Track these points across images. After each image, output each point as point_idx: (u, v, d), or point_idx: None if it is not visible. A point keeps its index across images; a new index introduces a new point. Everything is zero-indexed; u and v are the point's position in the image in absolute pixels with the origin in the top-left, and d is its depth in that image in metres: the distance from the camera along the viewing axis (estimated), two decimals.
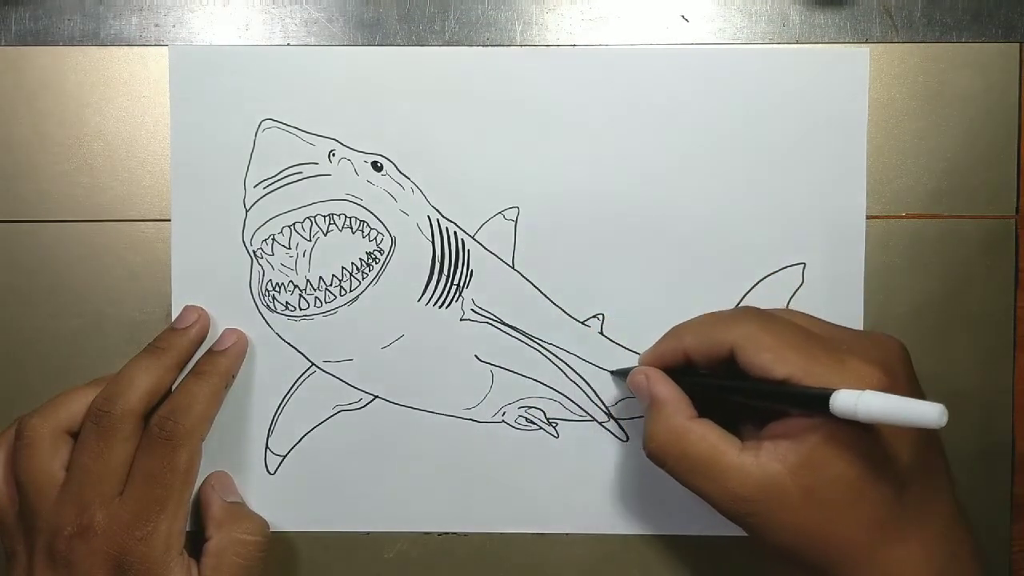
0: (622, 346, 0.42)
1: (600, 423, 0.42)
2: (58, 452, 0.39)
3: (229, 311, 0.42)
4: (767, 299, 0.41)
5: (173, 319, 0.41)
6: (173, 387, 0.40)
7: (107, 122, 0.42)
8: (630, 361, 0.42)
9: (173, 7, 0.42)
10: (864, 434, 0.33)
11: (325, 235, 0.41)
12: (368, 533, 0.43)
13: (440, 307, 0.42)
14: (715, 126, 0.41)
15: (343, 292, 0.42)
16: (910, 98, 0.42)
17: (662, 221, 0.42)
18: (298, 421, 0.42)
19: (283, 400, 0.42)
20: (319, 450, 0.42)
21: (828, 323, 0.37)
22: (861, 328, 0.41)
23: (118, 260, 0.42)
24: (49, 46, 0.42)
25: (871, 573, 0.34)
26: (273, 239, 0.41)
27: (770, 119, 0.41)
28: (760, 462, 0.34)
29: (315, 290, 0.41)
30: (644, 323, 0.42)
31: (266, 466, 0.42)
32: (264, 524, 0.41)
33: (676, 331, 0.39)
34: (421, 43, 0.42)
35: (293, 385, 0.42)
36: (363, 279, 0.42)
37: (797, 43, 0.42)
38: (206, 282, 0.42)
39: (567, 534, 0.42)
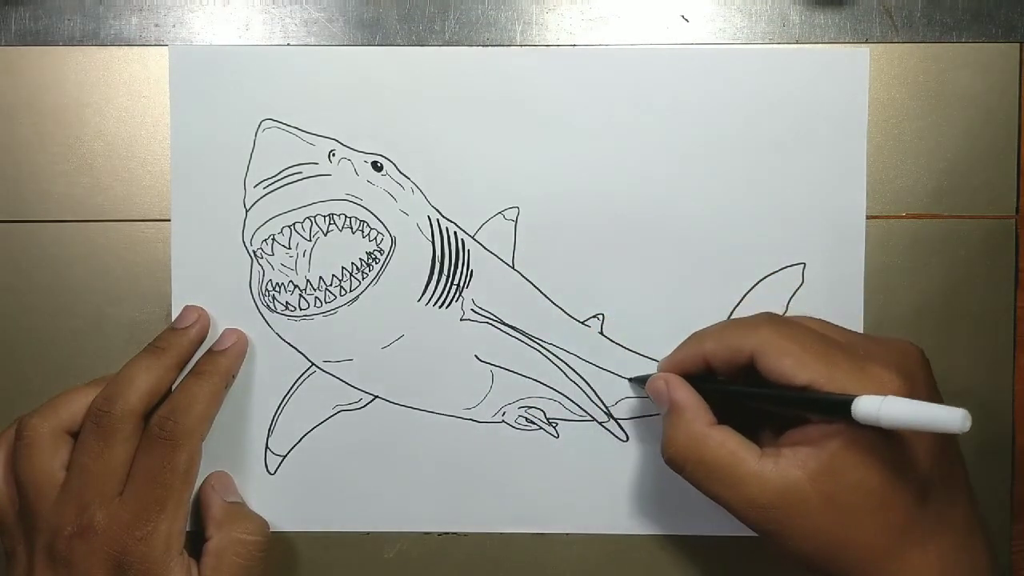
0: (622, 346, 0.42)
1: (600, 423, 0.42)
2: (58, 452, 0.39)
3: (229, 311, 0.42)
4: (767, 299, 0.41)
5: (173, 319, 0.41)
6: (173, 387, 0.40)
7: (107, 122, 0.42)
8: (630, 361, 0.42)
9: (173, 7, 0.42)
10: (885, 441, 0.33)
11: (325, 235, 0.41)
12: (368, 533, 0.43)
13: (440, 307, 0.42)
14: (715, 126, 0.41)
15: (343, 292, 0.42)
16: (910, 98, 0.42)
17: (662, 221, 0.42)
18: (298, 421, 0.42)
19: (283, 400, 0.42)
20: (319, 450, 0.42)
21: (847, 329, 0.37)
22: (880, 334, 0.41)
23: (118, 260, 0.42)
24: (49, 46, 0.42)
25: None
26: (273, 239, 0.41)
27: (770, 119, 0.41)
28: (779, 469, 0.33)
29: (315, 290, 0.41)
30: (644, 323, 0.42)
31: (266, 466, 0.42)
32: (264, 524, 0.41)
33: (696, 337, 0.39)
34: (421, 43, 0.42)
35: (293, 385, 0.42)
36: (363, 279, 0.42)
37: (797, 43, 0.42)
38: (206, 282, 0.42)
39: (567, 534, 0.42)
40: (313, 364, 0.42)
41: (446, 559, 0.43)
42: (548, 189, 0.41)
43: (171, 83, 0.42)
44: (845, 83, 0.41)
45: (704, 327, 0.39)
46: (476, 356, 0.42)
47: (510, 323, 0.42)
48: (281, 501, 0.42)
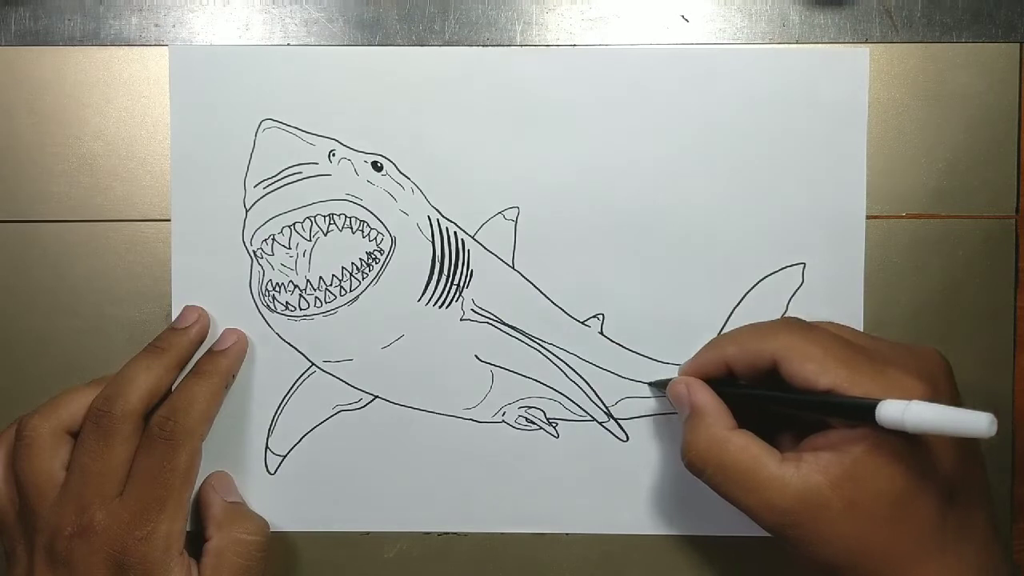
0: (622, 346, 0.42)
1: (600, 423, 0.42)
2: (58, 452, 0.39)
3: (229, 311, 0.42)
4: (767, 299, 0.41)
5: (173, 319, 0.41)
6: (173, 387, 0.40)
7: (107, 122, 0.42)
8: (630, 361, 0.42)
9: (173, 7, 0.42)
10: (908, 446, 0.33)
11: (325, 235, 0.41)
12: (368, 533, 0.43)
13: (440, 307, 0.42)
14: (715, 126, 0.41)
15: (343, 292, 0.42)
16: (910, 98, 0.42)
17: (662, 221, 0.42)
18: (298, 421, 0.42)
19: (283, 400, 0.42)
20: (319, 450, 0.42)
21: (870, 335, 0.37)
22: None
23: (118, 260, 0.42)
24: (49, 46, 0.42)
25: None
26: (273, 239, 0.41)
27: (770, 119, 0.41)
28: (801, 474, 0.33)
29: (315, 290, 0.42)
30: (644, 323, 0.42)
31: (266, 466, 0.42)
32: (264, 524, 0.41)
33: (717, 342, 0.39)
34: (421, 43, 0.42)
35: (293, 385, 0.42)
36: (363, 279, 0.42)
37: (797, 43, 0.42)
38: (206, 282, 0.42)
39: (567, 534, 0.42)
40: (313, 364, 0.42)
41: (446, 559, 0.43)
42: (548, 189, 0.41)
43: (171, 83, 0.42)
44: (845, 83, 0.41)
45: (726, 331, 0.39)
46: (476, 356, 0.42)
47: (510, 323, 0.42)
48: (281, 501, 0.42)
